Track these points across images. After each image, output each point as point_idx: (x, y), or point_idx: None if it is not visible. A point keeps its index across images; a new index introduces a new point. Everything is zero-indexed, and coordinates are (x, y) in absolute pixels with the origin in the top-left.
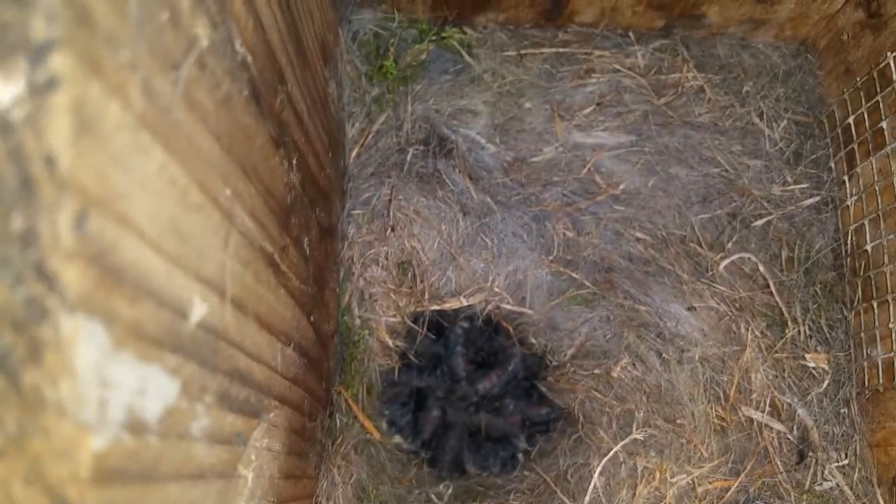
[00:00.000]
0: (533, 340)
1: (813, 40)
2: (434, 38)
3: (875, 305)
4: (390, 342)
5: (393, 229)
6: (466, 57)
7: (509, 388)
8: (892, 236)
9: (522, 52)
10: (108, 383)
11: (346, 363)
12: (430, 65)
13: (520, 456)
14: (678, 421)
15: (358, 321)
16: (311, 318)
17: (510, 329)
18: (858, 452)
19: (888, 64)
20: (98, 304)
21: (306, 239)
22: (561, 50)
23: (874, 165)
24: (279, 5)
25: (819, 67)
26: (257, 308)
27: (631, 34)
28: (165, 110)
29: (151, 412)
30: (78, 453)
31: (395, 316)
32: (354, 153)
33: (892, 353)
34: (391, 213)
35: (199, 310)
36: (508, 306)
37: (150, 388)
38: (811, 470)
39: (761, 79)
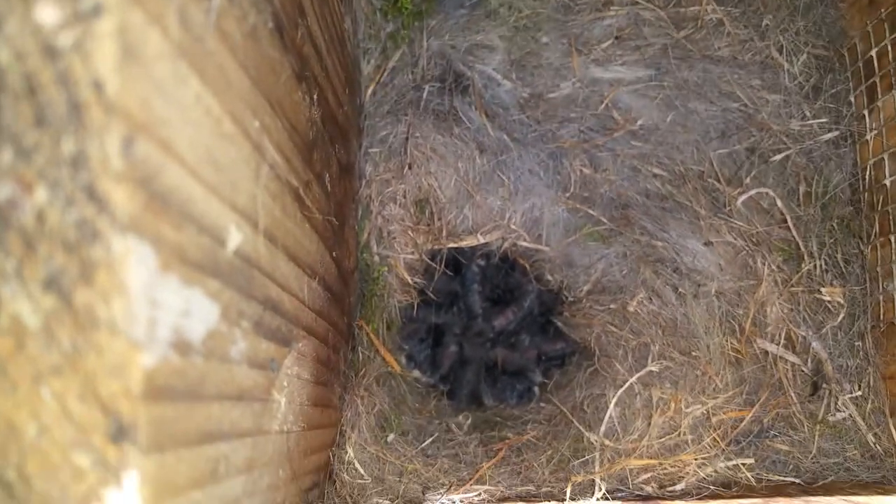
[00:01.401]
0: (549, 277)
1: None
2: None
3: (892, 239)
4: (409, 279)
5: (410, 167)
6: None
7: (525, 324)
8: None
9: None
10: (157, 303)
11: (367, 299)
12: None
13: (535, 389)
14: (693, 353)
15: (377, 258)
16: (333, 254)
17: (526, 266)
18: (872, 384)
19: None
20: (146, 227)
21: (327, 175)
22: None
23: None
24: None
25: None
26: (286, 240)
27: None
28: (199, 40)
29: (195, 333)
30: (129, 370)
31: (413, 253)
32: (370, 90)
33: None
34: (408, 151)
35: (235, 238)
36: (525, 243)
37: (194, 310)
38: (824, 401)
39: (781, 12)
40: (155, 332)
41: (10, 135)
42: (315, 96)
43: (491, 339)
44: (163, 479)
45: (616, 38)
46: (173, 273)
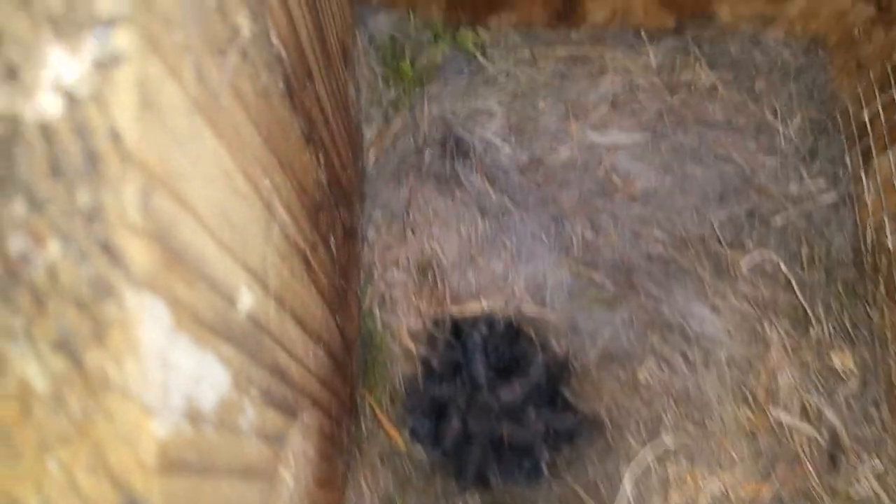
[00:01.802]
0: (555, 344)
1: (824, 36)
2: (449, 40)
3: None
4: (412, 346)
5: (412, 231)
6: (480, 58)
7: (532, 396)
8: None
9: (536, 52)
10: (170, 366)
11: (369, 368)
12: (445, 66)
13: (543, 466)
14: (707, 424)
15: (380, 325)
16: (337, 319)
17: (531, 333)
18: (892, 456)
19: None
20: (161, 284)
21: (332, 238)
22: (574, 50)
23: (892, 160)
24: (307, 4)
25: (831, 63)
26: (293, 304)
27: (643, 33)
28: (214, 95)
29: (207, 401)
30: (142, 439)
31: (416, 319)
32: (372, 155)
33: None
34: (410, 215)
35: (247, 300)
36: (529, 308)
37: (206, 375)
38: (844, 474)
39: (773, 76)
40: (168, 399)
41: (24, 186)
42: (322, 159)
43: (496, 412)
44: None
45: (612, 103)
46: (186, 334)
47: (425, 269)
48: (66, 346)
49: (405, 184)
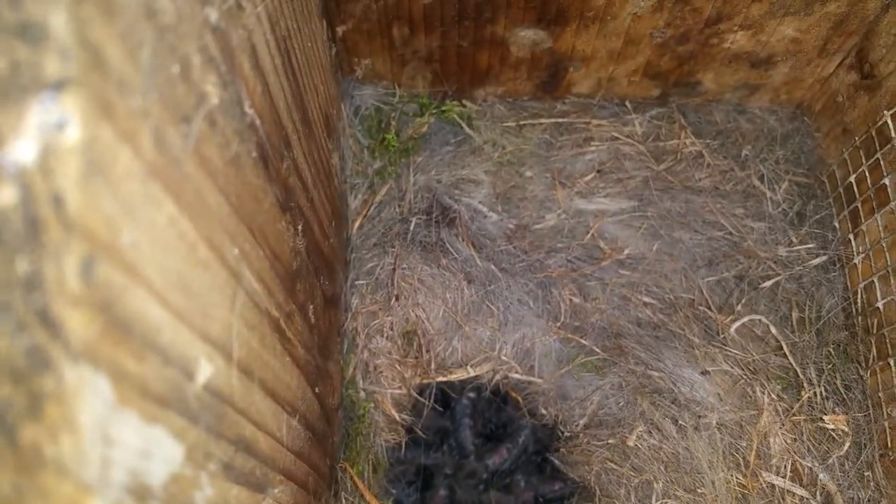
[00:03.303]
0: (543, 411)
1: (808, 103)
2: (434, 111)
3: (892, 363)
4: (396, 416)
5: (397, 299)
6: (467, 129)
7: (520, 463)
8: None
9: (522, 122)
10: (112, 442)
11: (352, 439)
12: (431, 137)
13: None
14: (699, 490)
15: (363, 394)
16: (316, 390)
17: (519, 399)
18: None
19: (886, 122)
20: (103, 356)
21: (311, 307)
22: (559, 120)
23: (880, 222)
24: (286, 74)
25: (816, 129)
26: (263, 374)
27: (628, 103)
28: (176, 162)
29: (156, 477)
30: None
31: (400, 388)
32: (357, 224)
33: None
34: (395, 283)
35: (206, 371)
36: (517, 375)
37: (155, 451)
38: None
39: (759, 142)
40: (109, 475)
41: None
42: (300, 227)
43: (484, 480)
44: None
45: (598, 171)
46: (132, 409)
47: (410, 337)
48: None
49: (390, 252)
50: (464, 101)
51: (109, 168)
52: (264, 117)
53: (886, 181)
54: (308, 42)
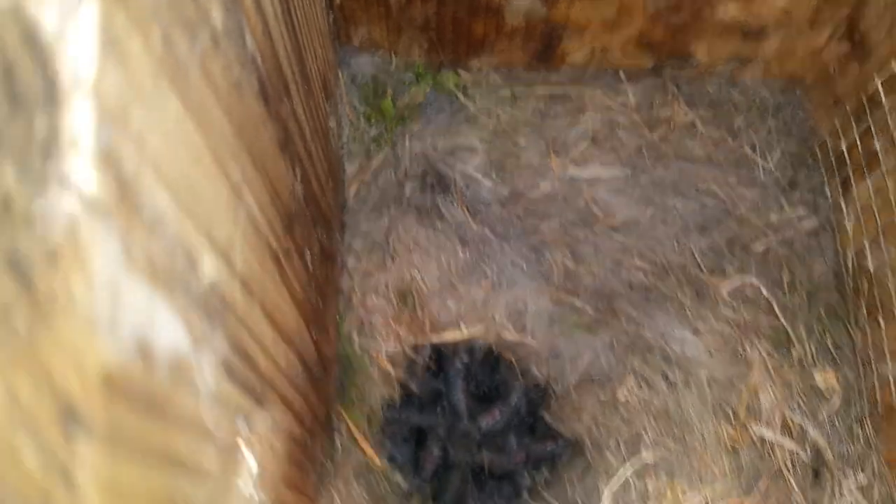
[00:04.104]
0: (535, 371)
1: (801, 75)
2: (430, 80)
3: (881, 321)
4: (391, 370)
5: (392, 259)
6: (462, 98)
7: (513, 423)
8: (893, 251)
9: (516, 92)
10: (121, 299)
11: (347, 390)
12: (426, 106)
13: (525, 493)
14: (688, 441)
15: (358, 350)
16: (314, 335)
17: (512, 360)
18: (876, 470)
19: (877, 88)
20: (116, 218)
21: (309, 253)
22: (554, 90)
23: (871, 187)
24: (286, 25)
25: (808, 101)
26: (263, 298)
27: (621, 73)
28: (182, 66)
29: (160, 345)
30: (88, 360)
31: (395, 344)
32: (354, 189)
33: None
34: (390, 244)
35: (210, 267)
36: (510, 336)
37: (160, 322)
38: (828, 489)
39: (752, 113)
40: (117, 325)
41: None
42: (298, 173)
43: (477, 441)
44: (115, 485)
45: (592, 140)
46: (141, 276)
47: (405, 296)
48: (15, 268)
49: (386, 214)
50: (459, 71)
51: (122, 50)
52: (265, 56)
53: (877, 146)
54: (307, 4)
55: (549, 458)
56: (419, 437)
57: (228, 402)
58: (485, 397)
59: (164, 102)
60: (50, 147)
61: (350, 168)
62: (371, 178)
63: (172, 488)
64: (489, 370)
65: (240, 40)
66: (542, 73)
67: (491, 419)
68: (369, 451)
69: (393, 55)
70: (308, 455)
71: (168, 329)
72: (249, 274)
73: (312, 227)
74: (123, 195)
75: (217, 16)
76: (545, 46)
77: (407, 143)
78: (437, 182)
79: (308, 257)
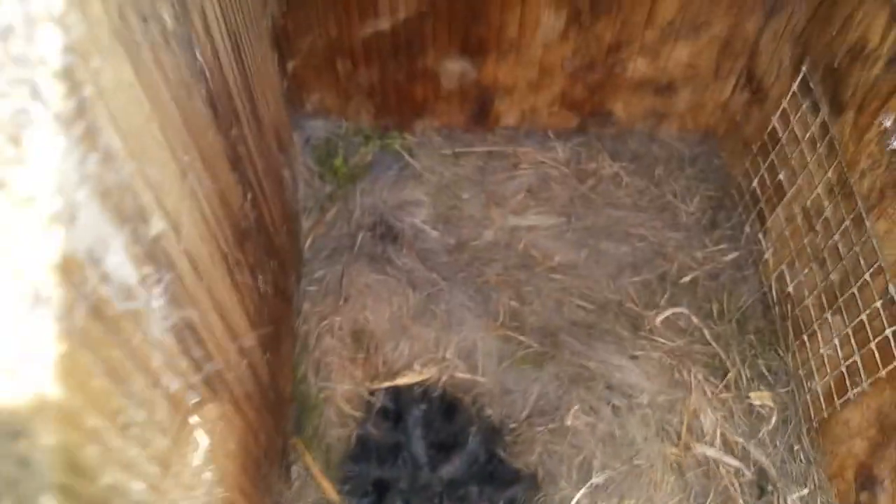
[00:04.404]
0: (489, 411)
1: (713, 126)
2: (378, 141)
3: (806, 339)
4: (348, 409)
5: (345, 301)
6: (407, 157)
7: (473, 471)
8: (806, 270)
9: (457, 151)
10: (77, 210)
11: (304, 429)
12: (375, 164)
13: None
14: (635, 462)
15: (315, 390)
16: (268, 358)
17: (466, 399)
18: (817, 482)
19: (774, 126)
20: (76, 135)
21: (261, 278)
22: (491, 148)
23: (781, 216)
24: (236, 62)
25: (722, 148)
26: (212, 287)
27: (550, 133)
28: (135, 43)
29: (109, 266)
30: (47, 243)
31: (351, 386)
32: (309, 241)
33: (828, 377)
34: (343, 288)
35: (157, 225)
36: (461, 374)
37: (112, 249)
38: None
39: (671, 164)
40: (74, 226)
41: None
42: (250, 196)
43: (439, 493)
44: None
45: (528, 191)
46: (95, 202)
47: (360, 337)
48: None
49: (339, 262)
50: (404, 134)
51: (85, 6)
52: (214, 74)
53: (781, 176)
54: (259, 56)
55: (512, 501)
56: (379, 490)
57: (177, 365)
58: (442, 445)
59: (118, 62)
60: (23, 64)
61: (306, 224)
62: (325, 229)
63: (120, 408)
64: (446, 416)
65: (189, 50)
66: (479, 133)
67: (451, 467)
68: (326, 485)
69: (343, 119)
70: (263, 475)
71: (117, 258)
72: (197, 254)
73: (265, 255)
74: (82, 113)
75: (167, 17)
76: (480, 108)
77: (358, 198)
78: (387, 232)
79: (260, 281)
